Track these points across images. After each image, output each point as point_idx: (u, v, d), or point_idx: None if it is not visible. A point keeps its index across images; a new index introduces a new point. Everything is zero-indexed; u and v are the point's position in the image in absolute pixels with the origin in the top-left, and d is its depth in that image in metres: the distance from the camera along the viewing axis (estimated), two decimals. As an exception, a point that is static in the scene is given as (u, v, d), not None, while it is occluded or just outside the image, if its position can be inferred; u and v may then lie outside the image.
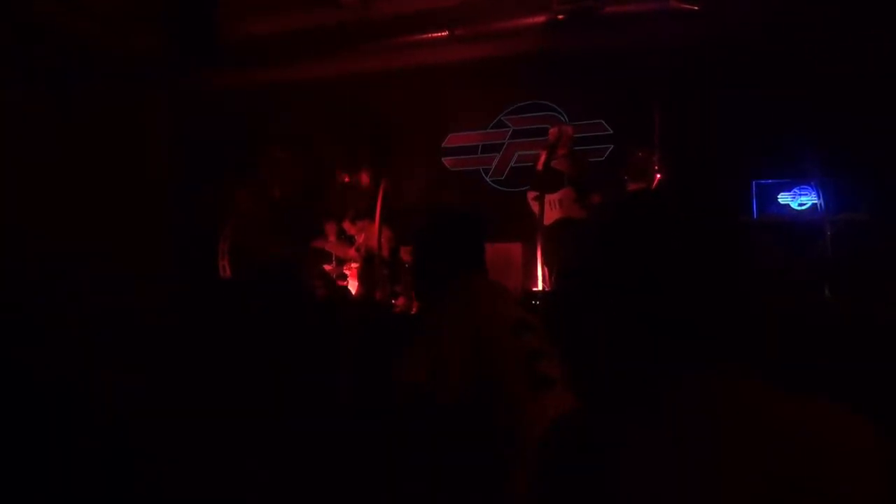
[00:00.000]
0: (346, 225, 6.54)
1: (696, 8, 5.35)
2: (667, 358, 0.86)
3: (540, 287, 5.19)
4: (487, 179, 7.05)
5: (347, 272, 6.43)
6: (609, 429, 0.86)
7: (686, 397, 0.83)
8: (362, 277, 6.19)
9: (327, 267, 6.51)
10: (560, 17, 5.75)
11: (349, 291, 6.22)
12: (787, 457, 0.76)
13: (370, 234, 6.31)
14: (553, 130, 5.64)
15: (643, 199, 0.97)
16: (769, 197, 5.26)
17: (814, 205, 5.04)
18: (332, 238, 6.58)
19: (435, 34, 6.23)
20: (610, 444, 0.84)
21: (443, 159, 7.17)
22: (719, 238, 0.89)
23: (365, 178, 6.73)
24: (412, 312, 5.25)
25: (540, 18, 5.89)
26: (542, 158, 5.52)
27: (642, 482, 0.79)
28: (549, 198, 5.34)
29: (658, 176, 5.28)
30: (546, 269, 5.20)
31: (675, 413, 0.82)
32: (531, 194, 5.65)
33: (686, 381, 0.84)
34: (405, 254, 6.30)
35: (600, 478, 0.82)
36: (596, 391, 0.92)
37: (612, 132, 6.53)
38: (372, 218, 6.49)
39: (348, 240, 6.54)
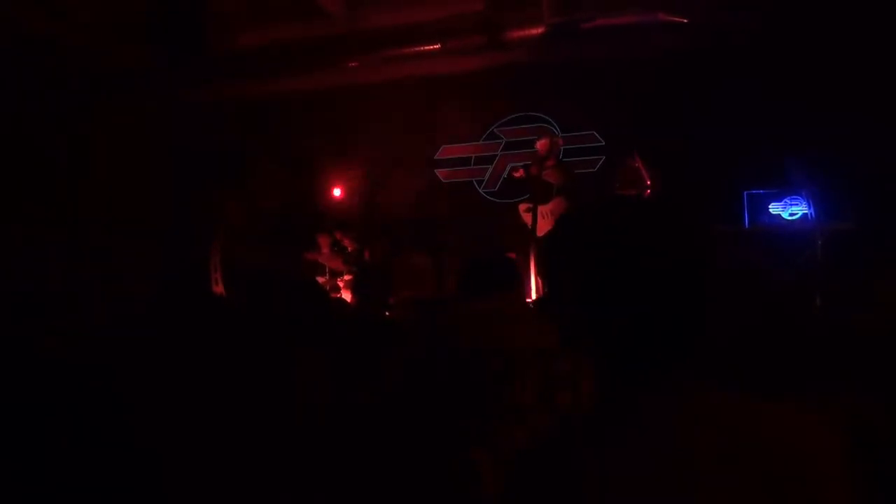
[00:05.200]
0: (340, 237, 6.54)
1: (685, 20, 5.40)
2: (652, 366, 0.87)
3: (534, 297, 5.20)
4: (480, 191, 7.07)
5: (341, 284, 6.43)
6: (589, 437, 0.87)
7: (663, 405, 0.84)
8: (355, 289, 6.18)
9: (321, 279, 6.51)
10: (552, 29, 5.79)
11: (345, 303, 6.20)
12: (758, 459, 0.77)
13: (363, 245, 6.32)
14: (543, 143, 5.66)
15: (626, 205, 0.97)
16: (760, 207, 5.29)
17: (804, 214, 5.06)
18: (325, 250, 6.58)
19: (427, 46, 6.26)
20: (589, 452, 0.84)
21: (436, 171, 7.19)
22: (710, 246, 0.90)
23: (358, 190, 6.74)
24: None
25: (532, 31, 5.93)
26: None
27: (620, 488, 0.80)
28: (541, 209, 5.37)
29: (648, 188, 5.30)
30: (540, 281, 5.22)
31: (652, 421, 0.83)
32: (523, 206, 5.68)
33: (663, 390, 0.85)
34: (398, 265, 6.30)
35: (579, 485, 0.82)
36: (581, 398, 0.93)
37: (604, 143, 6.56)
38: (365, 230, 6.50)
39: (342, 252, 6.54)
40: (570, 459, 0.85)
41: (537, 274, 5.22)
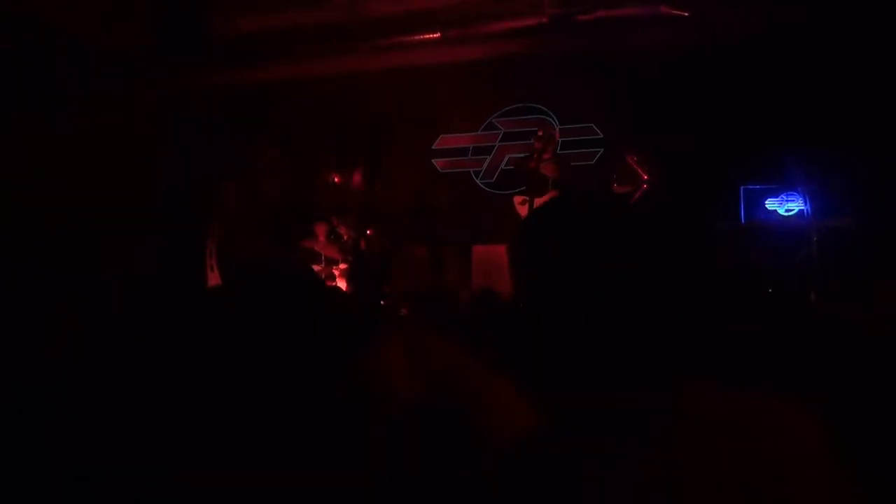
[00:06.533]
0: (336, 225, 6.53)
1: (686, 13, 5.38)
2: (638, 364, 0.87)
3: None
4: (478, 181, 7.06)
5: (336, 273, 6.43)
6: (573, 435, 0.86)
7: (647, 401, 0.84)
8: (351, 279, 6.18)
9: (316, 267, 6.50)
10: (551, 20, 5.77)
11: (341, 291, 6.20)
12: (748, 461, 0.77)
13: (360, 234, 6.31)
14: (541, 134, 5.66)
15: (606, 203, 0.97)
16: (757, 202, 5.30)
17: (800, 211, 5.07)
18: (321, 238, 6.57)
19: (427, 35, 6.23)
20: (574, 450, 0.84)
21: (433, 161, 7.18)
22: (704, 242, 0.90)
23: (355, 179, 6.72)
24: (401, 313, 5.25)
25: (532, 21, 5.91)
26: None
27: (606, 487, 0.80)
28: (536, 202, 5.36)
29: (645, 182, 5.30)
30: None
31: (637, 417, 0.83)
32: (518, 199, 5.68)
33: (646, 387, 0.85)
34: (394, 255, 6.30)
35: (565, 485, 0.82)
36: (562, 395, 0.93)
37: (602, 136, 6.55)
38: (362, 219, 6.49)
39: (338, 240, 6.53)
40: (559, 461, 0.85)
41: (508, 270, 5.22)
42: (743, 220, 5.24)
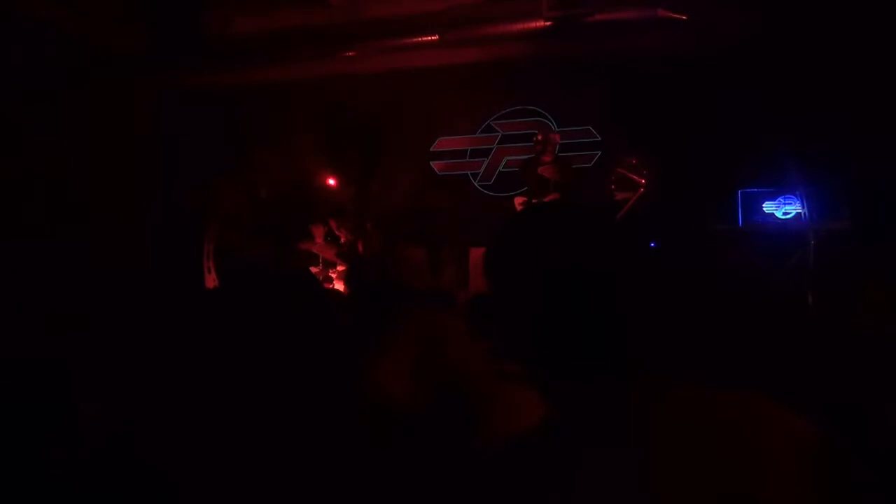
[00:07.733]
0: (333, 227, 6.53)
1: (684, 17, 5.40)
2: (631, 366, 0.88)
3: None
4: (476, 184, 7.07)
5: (333, 275, 6.42)
6: (571, 435, 0.87)
7: (627, 402, 0.85)
8: (348, 280, 6.18)
9: (314, 269, 6.50)
10: (549, 23, 5.78)
11: (339, 293, 6.20)
12: (729, 452, 0.78)
13: (357, 237, 6.31)
14: (540, 137, 5.67)
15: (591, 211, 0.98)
16: (755, 206, 5.31)
17: (798, 214, 5.09)
18: (318, 240, 6.57)
19: (425, 38, 6.24)
20: (573, 450, 0.85)
21: (431, 163, 7.18)
22: (701, 245, 0.92)
23: (353, 181, 6.73)
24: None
25: (530, 24, 5.92)
26: None
27: (604, 487, 0.80)
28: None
29: (642, 187, 5.32)
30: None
31: (631, 418, 0.84)
32: (518, 200, 5.69)
33: (626, 387, 0.86)
34: (392, 257, 6.30)
35: (565, 484, 0.83)
36: (558, 395, 0.94)
37: (599, 139, 6.57)
38: (359, 220, 6.50)
39: (335, 242, 6.53)
40: (558, 460, 0.85)
41: (483, 276, 5.22)
42: (740, 223, 5.26)
